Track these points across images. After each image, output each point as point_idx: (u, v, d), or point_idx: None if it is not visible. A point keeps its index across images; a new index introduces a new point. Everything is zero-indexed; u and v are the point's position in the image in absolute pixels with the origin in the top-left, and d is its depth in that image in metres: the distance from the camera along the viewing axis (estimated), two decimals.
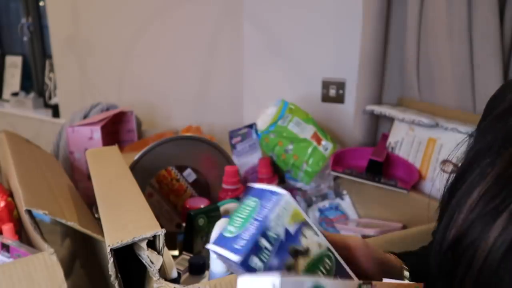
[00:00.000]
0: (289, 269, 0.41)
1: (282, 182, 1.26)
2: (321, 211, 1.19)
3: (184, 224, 0.87)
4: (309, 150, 1.20)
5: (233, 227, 0.42)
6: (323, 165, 1.20)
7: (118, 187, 0.70)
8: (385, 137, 1.26)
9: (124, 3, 1.60)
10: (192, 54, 1.63)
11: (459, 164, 0.49)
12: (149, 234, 0.52)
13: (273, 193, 0.43)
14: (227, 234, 0.42)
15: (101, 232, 0.60)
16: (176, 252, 0.89)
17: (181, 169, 1.00)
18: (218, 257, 0.42)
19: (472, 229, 0.41)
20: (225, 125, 1.51)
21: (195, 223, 0.82)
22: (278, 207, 0.42)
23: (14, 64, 2.44)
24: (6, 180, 0.89)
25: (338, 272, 0.45)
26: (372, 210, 1.18)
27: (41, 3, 2.17)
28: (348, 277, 0.46)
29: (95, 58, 1.70)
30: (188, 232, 0.84)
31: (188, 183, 1.01)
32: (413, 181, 1.10)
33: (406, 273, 0.54)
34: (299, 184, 1.23)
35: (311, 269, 0.42)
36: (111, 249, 0.50)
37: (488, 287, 0.40)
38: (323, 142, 1.21)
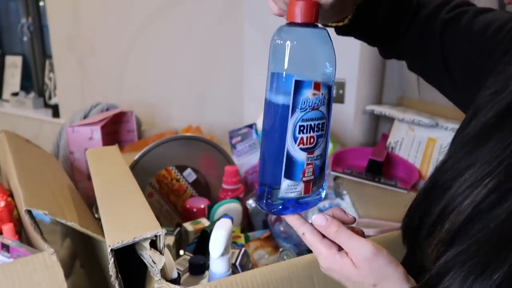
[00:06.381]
0: None
1: None
2: (321, 211, 1.19)
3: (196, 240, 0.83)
4: None
5: None
6: None
7: (118, 187, 0.70)
8: (385, 137, 1.26)
9: (124, 3, 1.60)
10: (192, 54, 1.63)
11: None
12: (149, 234, 0.52)
13: None
14: None
15: (101, 232, 0.60)
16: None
17: (181, 169, 1.00)
18: None
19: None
20: (225, 125, 1.51)
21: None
22: None
23: (14, 64, 2.44)
24: (6, 180, 0.89)
25: None
26: (372, 210, 1.18)
27: (41, 3, 2.17)
28: None
29: (95, 58, 1.70)
30: (200, 248, 0.80)
31: (188, 183, 1.01)
32: (413, 181, 1.10)
33: None
34: None
35: None
36: (111, 249, 0.50)
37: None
38: None
